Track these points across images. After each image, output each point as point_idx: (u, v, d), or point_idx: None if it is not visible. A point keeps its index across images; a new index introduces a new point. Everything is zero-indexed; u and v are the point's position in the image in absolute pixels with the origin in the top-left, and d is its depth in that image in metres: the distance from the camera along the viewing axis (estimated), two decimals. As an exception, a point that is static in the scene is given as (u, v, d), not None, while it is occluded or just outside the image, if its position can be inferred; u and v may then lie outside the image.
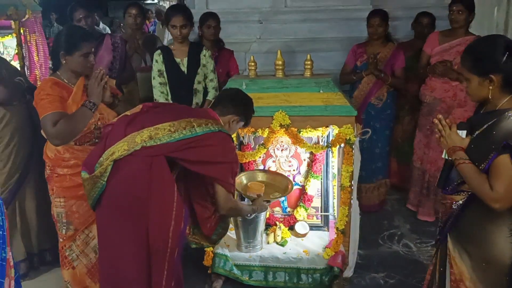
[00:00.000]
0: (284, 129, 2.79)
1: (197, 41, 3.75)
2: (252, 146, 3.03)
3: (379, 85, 3.80)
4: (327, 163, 3.06)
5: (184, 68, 3.33)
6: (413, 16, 4.26)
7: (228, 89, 2.70)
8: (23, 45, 3.62)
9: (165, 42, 6.28)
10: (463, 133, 1.88)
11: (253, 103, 2.53)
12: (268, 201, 2.88)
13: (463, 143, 1.86)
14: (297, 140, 2.83)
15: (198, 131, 2.16)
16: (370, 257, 3.28)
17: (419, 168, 3.85)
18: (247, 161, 3.03)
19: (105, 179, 2.08)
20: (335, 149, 2.93)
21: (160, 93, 3.33)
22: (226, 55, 3.84)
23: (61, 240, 2.58)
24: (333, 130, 2.82)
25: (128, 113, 2.32)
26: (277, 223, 3.11)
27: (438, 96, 3.66)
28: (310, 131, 2.79)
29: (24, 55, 3.64)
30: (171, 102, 3.33)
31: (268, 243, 3.02)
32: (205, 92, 3.36)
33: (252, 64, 3.06)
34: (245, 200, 3.03)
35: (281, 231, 3.03)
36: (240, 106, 2.44)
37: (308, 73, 2.99)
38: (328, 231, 3.11)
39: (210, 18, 3.75)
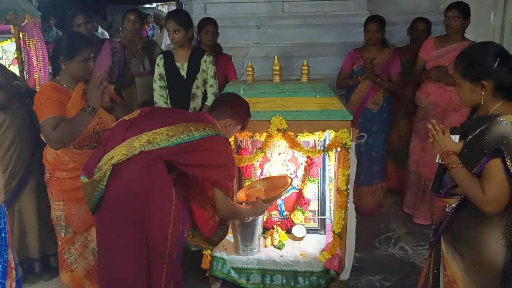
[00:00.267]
0: (281, 133, 2.82)
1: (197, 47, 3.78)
2: (249, 150, 3.06)
3: (376, 90, 3.82)
4: (323, 167, 3.09)
5: (183, 72, 3.35)
6: (409, 21, 4.28)
7: (225, 94, 2.73)
8: (22, 49, 3.64)
9: (163, 47, 6.32)
10: (456, 138, 1.91)
11: (249, 107, 2.56)
12: (268, 202, 2.85)
13: (456, 148, 1.89)
14: (294, 144, 2.86)
15: (195, 135, 2.19)
16: (366, 260, 3.29)
17: (415, 171, 3.87)
18: (244, 165, 3.06)
19: (104, 183, 2.11)
20: (332, 153, 2.97)
21: (160, 96, 3.36)
22: (224, 60, 3.87)
23: (60, 243, 2.60)
24: (330, 134, 2.85)
25: (126, 118, 2.35)
26: (275, 226, 3.13)
27: (434, 100, 3.68)
28: (307, 135, 2.82)
29: (23, 59, 3.66)
30: (170, 105, 3.36)
31: (265, 246, 3.05)
32: (204, 97, 3.38)
33: (250, 69, 3.09)
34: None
35: (279, 234, 3.06)
36: (236, 110, 2.47)
37: (305, 78, 3.03)
38: (325, 234, 3.15)
39: (208, 24, 3.78)
